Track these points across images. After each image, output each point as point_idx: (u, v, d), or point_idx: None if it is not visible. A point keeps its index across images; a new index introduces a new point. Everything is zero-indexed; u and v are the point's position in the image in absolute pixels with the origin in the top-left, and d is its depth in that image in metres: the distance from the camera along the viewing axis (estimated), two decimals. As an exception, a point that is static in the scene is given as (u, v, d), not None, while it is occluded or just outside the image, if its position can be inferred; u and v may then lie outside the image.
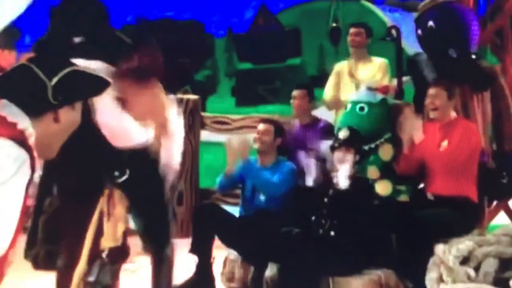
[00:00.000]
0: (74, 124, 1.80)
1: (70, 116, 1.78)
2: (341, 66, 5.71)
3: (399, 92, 5.96)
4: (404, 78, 5.90)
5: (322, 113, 5.66)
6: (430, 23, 4.85)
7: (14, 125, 1.67)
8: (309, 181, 4.56)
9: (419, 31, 4.99)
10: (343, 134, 4.42)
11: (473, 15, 5.02)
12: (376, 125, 4.61)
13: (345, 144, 4.31)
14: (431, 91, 4.50)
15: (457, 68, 4.72)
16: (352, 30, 5.71)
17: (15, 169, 1.61)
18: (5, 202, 1.59)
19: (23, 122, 1.70)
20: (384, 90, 4.81)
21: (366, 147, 4.53)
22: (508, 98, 5.08)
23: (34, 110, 1.74)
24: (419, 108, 4.71)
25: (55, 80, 1.74)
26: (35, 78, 1.73)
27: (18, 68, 1.77)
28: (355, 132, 4.45)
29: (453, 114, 4.57)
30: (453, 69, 4.72)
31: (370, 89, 4.75)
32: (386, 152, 4.56)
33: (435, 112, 4.50)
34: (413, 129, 4.43)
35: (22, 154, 1.64)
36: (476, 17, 5.02)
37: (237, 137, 5.06)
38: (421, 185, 4.61)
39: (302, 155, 4.70)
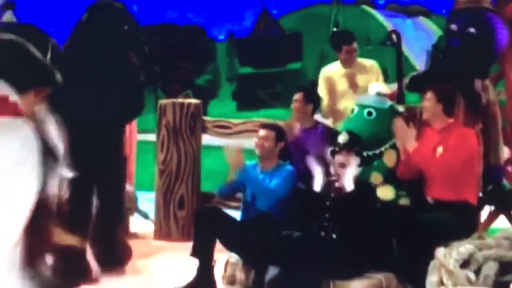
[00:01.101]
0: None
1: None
2: (330, 72, 5.71)
3: (400, 96, 5.98)
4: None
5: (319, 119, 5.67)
6: (471, 29, 4.85)
7: (15, 104, 1.67)
8: (316, 186, 4.56)
9: (453, 26, 4.96)
10: (342, 138, 4.43)
11: (504, 27, 5.03)
12: (382, 131, 4.60)
13: (346, 148, 4.33)
14: (426, 94, 4.53)
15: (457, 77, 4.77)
16: (346, 48, 5.68)
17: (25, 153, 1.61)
18: (15, 189, 1.58)
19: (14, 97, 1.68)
20: (393, 96, 4.83)
21: (370, 153, 4.53)
22: (497, 114, 5.09)
23: (22, 86, 1.73)
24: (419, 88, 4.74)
25: (48, 56, 1.77)
26: (27, 53, 1.74)
27: (7, 42, 1.76)
28: (354, 135, 4.46)
29: (449, 118, 4.57)
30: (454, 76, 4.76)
31: (379, 94, 4.74)
32: (390, 158, 4.57)
33: (425, 113, 4.54)
34: (405, 138, 4.44)
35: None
36: (507, 30, 5.03)
37: (232, 146, 5.06)
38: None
39: (311, 160, 4.69)
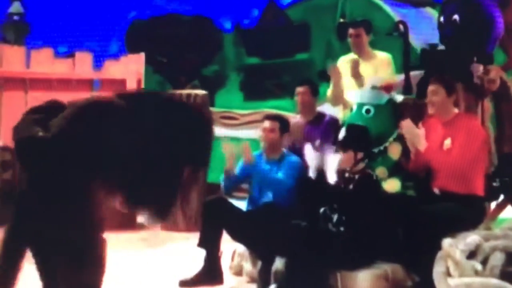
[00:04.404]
0: None
1: None
2: (345, 61, 5.69)
3: (407, 87, 5.95)
4: (412, 73, 5.89)
5: (326, 109, 5.66)
6: (455, 16, 4.84)
7: None
8: (310, 172, 4.57)
9: (442, 19, 4.96)
10: (340, 135, 4.48)
11: (498, 11, 5.00)
12: (383, 127, 4.58)
13: (342, 145, 4.35)
14: (430, 87, 4.51)
15: (455, 68, 4.76)
16: (351, 31, 5.66)
17: None
18: None
19: None
20: (388, 88, 4.77)
21: (375, 150, 4.52)
22: None
23: None
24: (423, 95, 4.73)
25: None
26: None
27: None
28: (355, 131, 4.45)
29: (455, 110, 4.56)
30: (452, 68, 4.75)
31: (374, 87, 4.71)
32: (394, 151, 4.55)
33: (433, 108, 4.51)
34: (416, 139, 4.43)
35: None
36: (500, 13, 5.00)
37: (229, 141, 5.06)
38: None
39: (306, 148, 4.70)
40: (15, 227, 2.99)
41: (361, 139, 4.44)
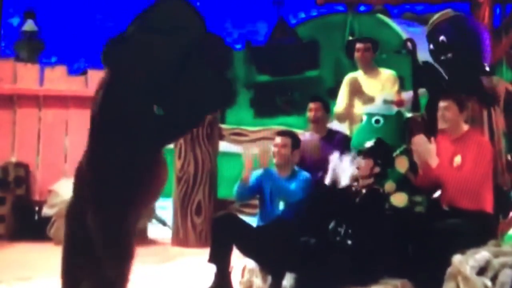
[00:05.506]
0: None
1: None
2: (352, 78, 5.76)
3: (416, 104, 6.00)
4: (420, 90, 5.95)
5: (334, 126, 5.71)
6: (442, 37, 4.92)
7: None
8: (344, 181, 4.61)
9: (431, 46, 5.05)
10: (368, 143, 4.55)
11: (484, 28, 5.08)
12: (391, 138, 4.65)
13: (365, 152, 4.41)
14: (442, 103, 4.54)
15: (461, 83, 4.80)
16: (359, 45, 5.72)
17: None
18: None
19: None
20: (400, 103, 4.86)
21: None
22: None
23: None
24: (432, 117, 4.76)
25: None
26: None
27: None
28: (381, 145, 4.52)
29: (464, 127, 4.59)
30: (458, 83, 4.79)
31: (386, 101, 4.80)
32: (401, 164, 4.60)
33: (444, 123, 4.54)
34: (428, 154, 4.46)
35: None
36: (487, 30, 5.08)
37: (255, 147, 5.14)
38: (436, 194, 4.63)
39: (333, 158, 4.74)
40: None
41: (385, 156, 4.50)
